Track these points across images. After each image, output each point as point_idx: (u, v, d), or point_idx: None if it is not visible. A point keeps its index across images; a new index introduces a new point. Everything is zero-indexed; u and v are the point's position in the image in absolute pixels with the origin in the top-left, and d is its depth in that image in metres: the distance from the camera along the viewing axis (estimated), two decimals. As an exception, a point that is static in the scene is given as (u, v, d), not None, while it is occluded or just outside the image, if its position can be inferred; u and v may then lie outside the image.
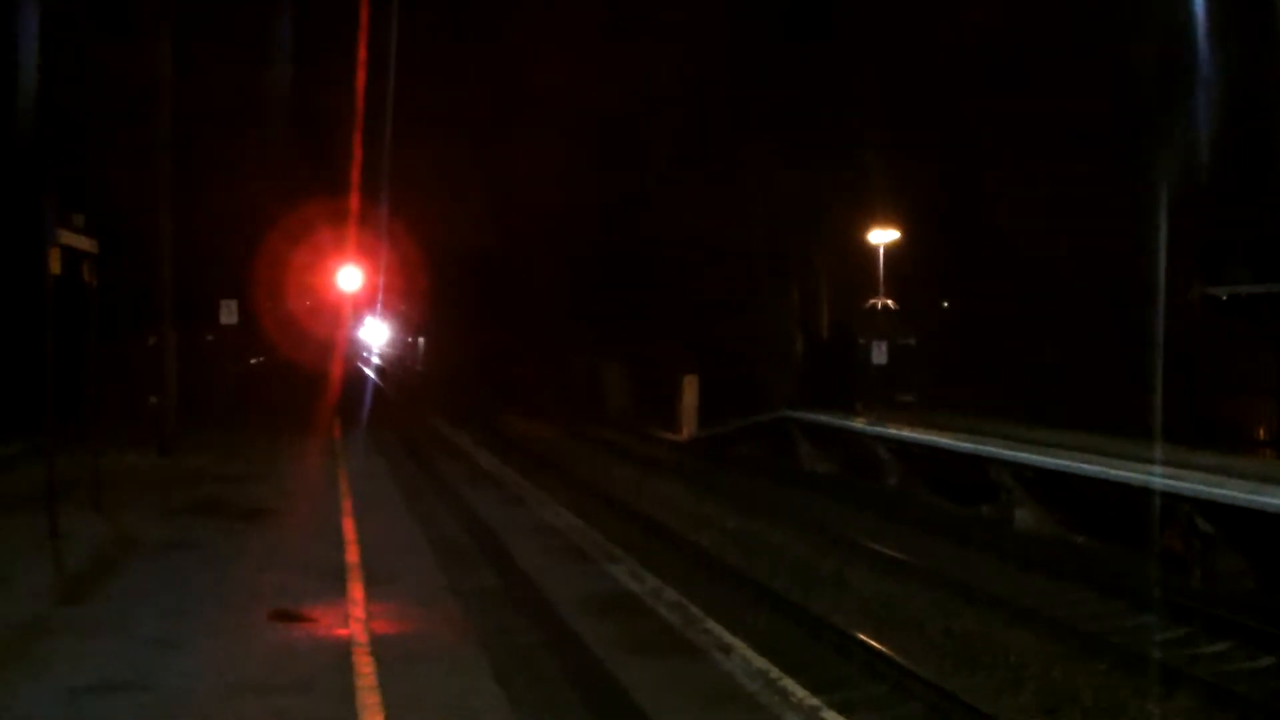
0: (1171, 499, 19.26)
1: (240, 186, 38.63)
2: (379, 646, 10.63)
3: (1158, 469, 20.61)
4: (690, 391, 41.96)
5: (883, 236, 37.54)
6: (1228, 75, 29.07)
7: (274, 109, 43.94)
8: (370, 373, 64.40)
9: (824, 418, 33.58)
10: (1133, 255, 31.38)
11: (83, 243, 17.08)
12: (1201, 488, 18.96)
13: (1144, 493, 20.01)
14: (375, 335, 65.08)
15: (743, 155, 44.24)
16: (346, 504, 19.45)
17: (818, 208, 43.15)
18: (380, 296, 54.10)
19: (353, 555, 15.02)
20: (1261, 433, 29.19)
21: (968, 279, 39.08)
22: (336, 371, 41.02)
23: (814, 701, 9.61)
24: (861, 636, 14.71)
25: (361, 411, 40.34)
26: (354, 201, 40.38)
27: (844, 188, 41.14)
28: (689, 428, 41.51)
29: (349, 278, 41.20)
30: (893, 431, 29.80)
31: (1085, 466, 21.97)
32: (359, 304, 52.70)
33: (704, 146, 46.24)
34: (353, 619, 11.65)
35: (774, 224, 44.92)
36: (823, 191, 42.24)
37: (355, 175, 40.00)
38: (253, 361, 37.57)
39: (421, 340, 73.21)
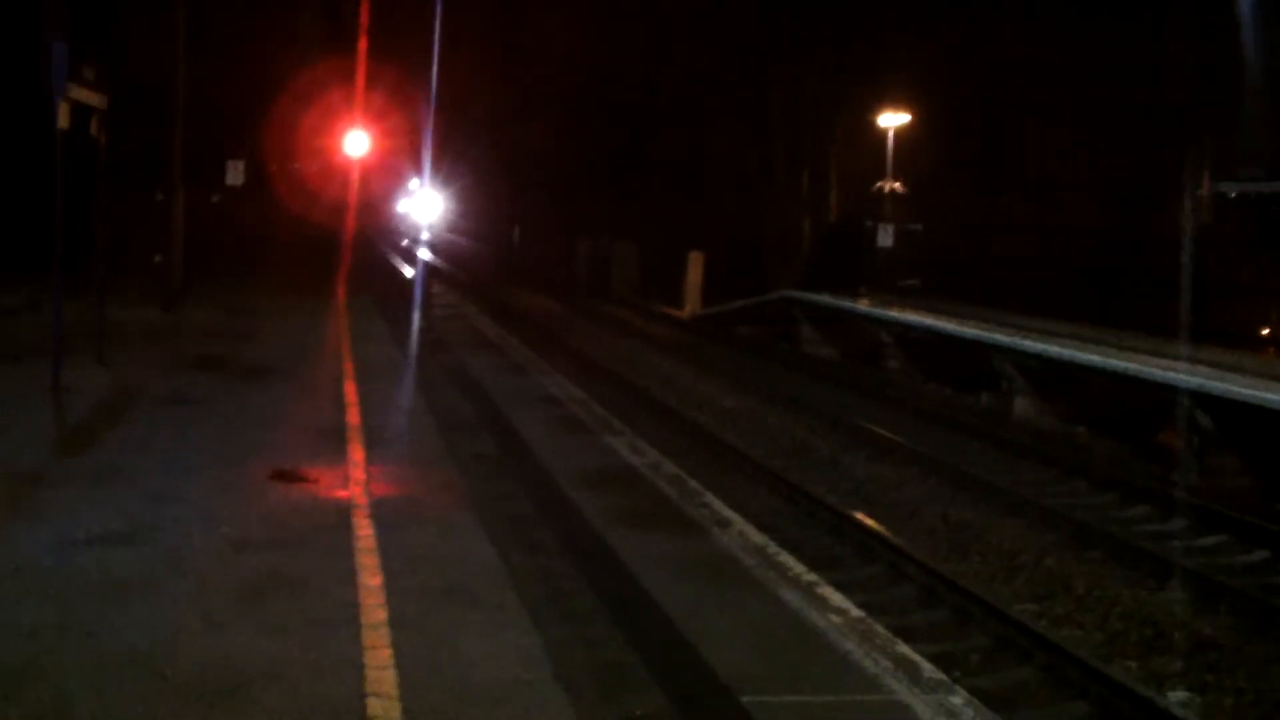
0: (1171, 392, 19.29)
1: (254, 47, 38.25)
2: (378, 508, 10.66)
3: (1159, 362, 20.64)
4: (695, 269, 41.89)
5: (893, 120, 37.32)
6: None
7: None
8: (389, 249, 63.87)
9: (826, 298, 33.52)
10: (1143, 154, 31.34)
11: (93, 98, 16.89)
12: (1201, 381, 18.98)
13: (1144, 384, 20.07)
14: (427, 209, 63.21)
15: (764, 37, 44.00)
16: (349, 366, 19.47)
17: (834, 93, 42.95)
18: (422, 166, 53.38)
19: (354, 417, 15.05)
20: (1266, 331, 29.17)
21: (978, 170, 38.99)
22: (347, 237, 40.70)
23: (811, 577, 9.65)
24: (858, 517, 14.81)
25: (371, 277, 40.26)
26: (362, 48, 39.93)
27: (862, 73, 40.95)
28: (693, 305, 41.50)
29: (356, 141, 40.73)
30: (894, 314, 29.77)
31: (1087, 356, 22.00)
32: (378, 170, 52.05)
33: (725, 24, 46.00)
34: (352, 480, 11.69)
35: (790, 107, 44.73)
36: (840, 76, 42.05)
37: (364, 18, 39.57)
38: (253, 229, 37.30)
39: (442, 207, 72.13)
